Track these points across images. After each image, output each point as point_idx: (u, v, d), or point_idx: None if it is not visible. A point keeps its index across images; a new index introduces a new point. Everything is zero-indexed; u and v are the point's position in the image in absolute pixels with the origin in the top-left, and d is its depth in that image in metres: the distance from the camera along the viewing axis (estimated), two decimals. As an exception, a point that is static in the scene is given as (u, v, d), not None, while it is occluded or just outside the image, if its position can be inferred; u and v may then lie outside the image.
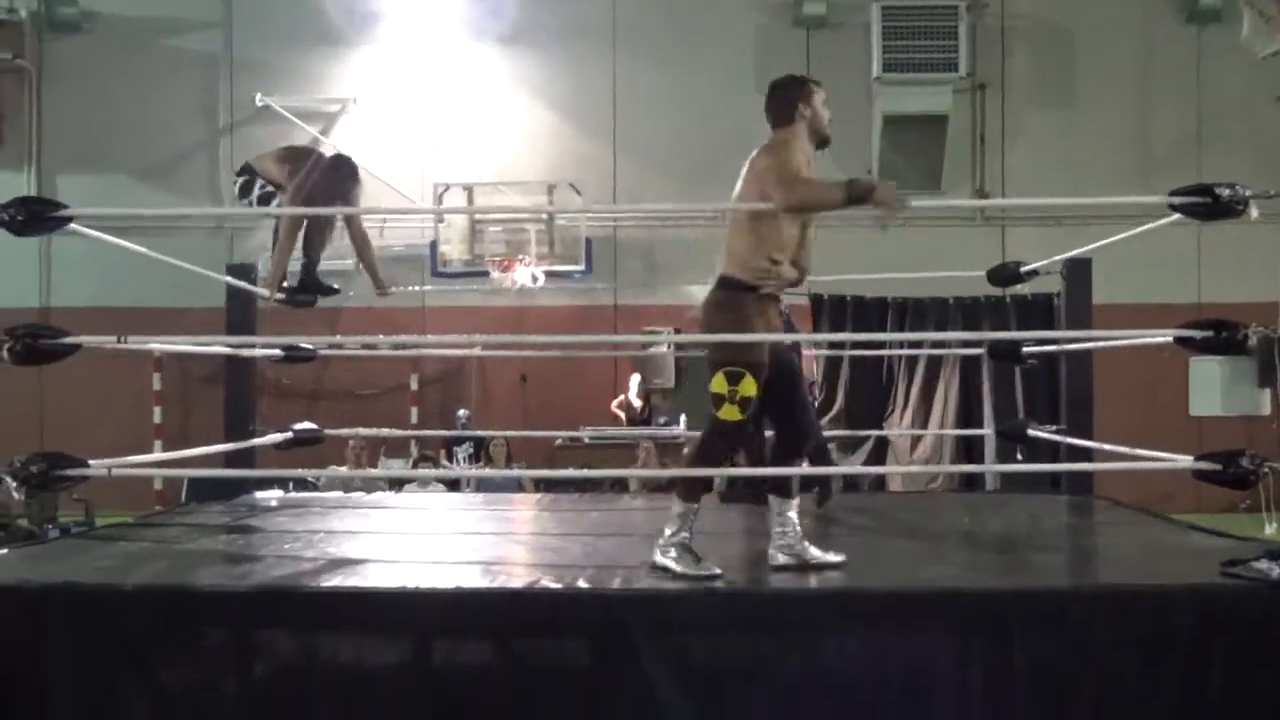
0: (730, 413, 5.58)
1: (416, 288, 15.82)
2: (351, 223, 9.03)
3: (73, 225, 6.15)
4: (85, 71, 17.42)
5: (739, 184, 6.02)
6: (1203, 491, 7.49)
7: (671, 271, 16.75)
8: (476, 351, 15.04)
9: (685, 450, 5.77)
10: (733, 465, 7.11)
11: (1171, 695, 4.85)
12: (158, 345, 10.37)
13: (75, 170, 17.20)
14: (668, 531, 5.58)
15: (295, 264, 9.05)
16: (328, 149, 9.34)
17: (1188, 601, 4.95)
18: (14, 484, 5.91)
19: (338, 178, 8.71)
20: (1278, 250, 16.30)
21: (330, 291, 9.15)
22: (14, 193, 6.54)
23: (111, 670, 4.88)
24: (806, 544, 5.73)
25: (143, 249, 7.36)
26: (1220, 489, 6.08)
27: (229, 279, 8.79)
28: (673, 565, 5.44)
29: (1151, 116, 17.39)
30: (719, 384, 5.57)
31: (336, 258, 13.93)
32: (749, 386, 5.56)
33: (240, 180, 8.91)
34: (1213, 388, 15.00)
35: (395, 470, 14.00)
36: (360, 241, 9.15)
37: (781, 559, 5.71)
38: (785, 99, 6.03)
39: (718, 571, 5.38)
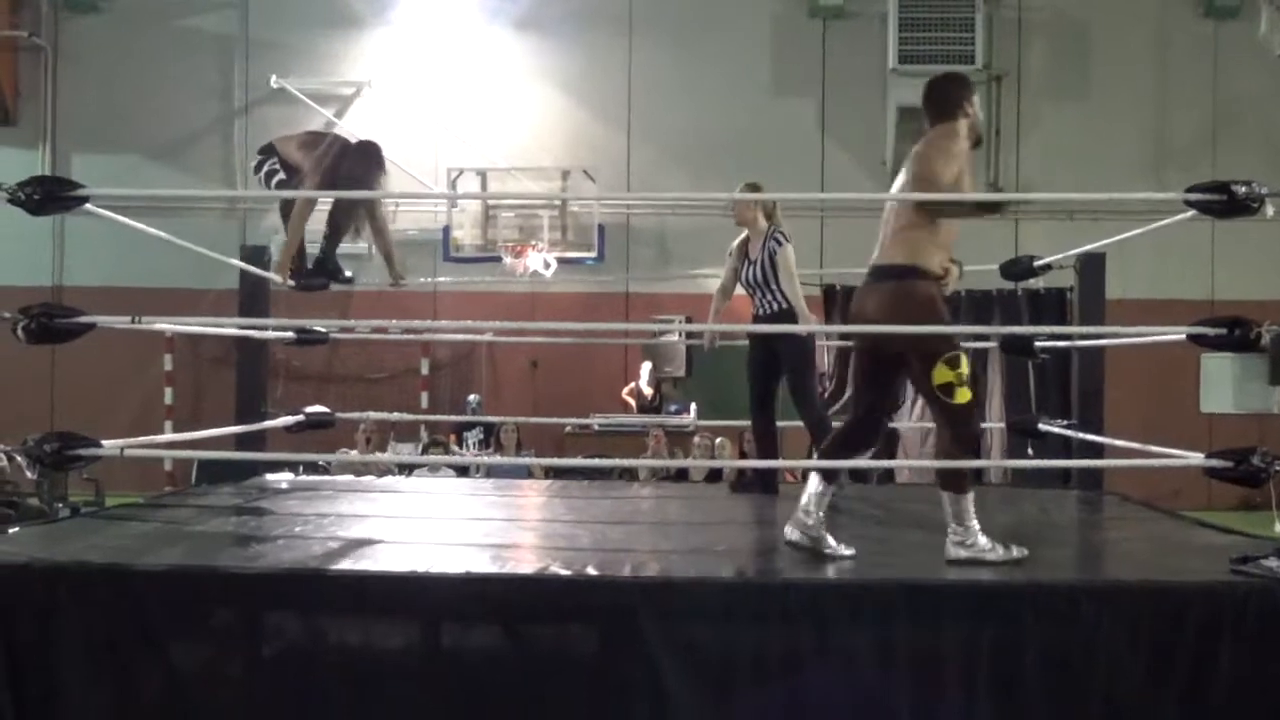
0: (964, 395, 5.58)
1: (428, 280, 15.84)
2: (373, 210, 9.01)
3: (87, 205, 6.15)
4: (101, 51, 17.45)
5: (903, 175, 5.94)
6: (1213, 488, 7.52)
7: (684, 259, 16.76)
8: (488, 337, 15.04)
9: (938, 447, 5.71)
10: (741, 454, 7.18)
11: (1181, 691, 4.84)
12: (170, 326, 10.37)
13: (90, 149, 17.23)
14: (961, 526, 5.60)
15: (312, 246, 9.03)
16: (349, 135, 9.28)
17: (1197, 598, 4.94)
18: (26, 463, 5.92)
19: (366, 164, 8.71)
20: (1292, 247, 16.31)
21: (345, 279, 9.12)
22: (29, 171, 6.54)
23: (122, 650, 4.89)
24: (826, 534, 5.73)
25: (156, 231, 7.37)
26: (1231, 486, 6.07)
27: (241, 264, 8.79)
28: (985, 555, 5.52)
29: (1167, 111, 17.36)
30: (944, 374, 5.53)
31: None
32: (965, 365, 5.59)
33: (258, 160, 8.90)
34: (1224, 384, 15.03)
35: (405, 455, 14.02)
36: (379, 229, 9.13)
37: (796, 536, 5.73)
38: (950, 95, 5.99)
39: (1022, 553, 5.54)
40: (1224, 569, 5.20)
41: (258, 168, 8.85)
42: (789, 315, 8.25)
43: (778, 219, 8.47)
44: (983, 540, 5.56)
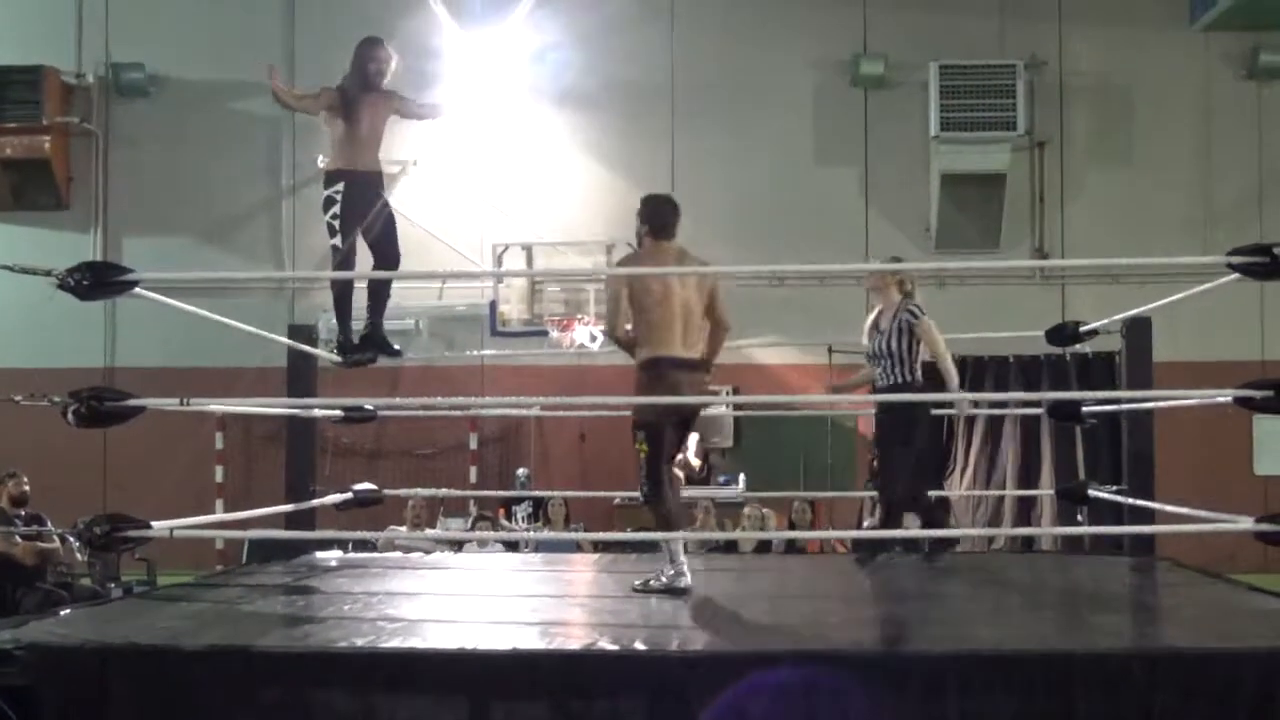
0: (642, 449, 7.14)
1: (476, 353, 15.92)
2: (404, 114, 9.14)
3: (136, 289, 6.23)
4: (151, 135, 17.67)
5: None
6: (1269, 551, 7.43)
7: (730, 331, 16.76)
8: (535, 411, 15.06)
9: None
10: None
11: (1236, 759, 4.79)
12: (219, 407, 10.46)
13: (140, 232, 17.42)
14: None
15: (357, 322, 8.99)
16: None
17: (1251, 664, 4.89)
18: (78, 544, 5.98)
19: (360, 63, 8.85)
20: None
21: (394, 352, 9.06)
22: (81, 254, 6.67)
23: (173, 731, 4.91)
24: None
25: (205, 312, 7.45)
26: (1288, 550, 6.02)
27: (288, 341, 8.86)
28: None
29: (1212, 173, 17.29)
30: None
31: (396, 317, 14.08)
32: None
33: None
34: (1278, 446, 14.87)
35: (454, 531, 14.03)
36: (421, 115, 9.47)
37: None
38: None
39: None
40: (1277, 634, 5.15)
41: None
42: (910, 389, 8.26)
43: (914, 294, 8.48)
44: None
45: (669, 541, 7.09)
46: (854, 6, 17.37)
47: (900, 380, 8.30)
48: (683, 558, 7.06)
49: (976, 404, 11.09)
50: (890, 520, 8.44)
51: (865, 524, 14.14)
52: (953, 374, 8.32)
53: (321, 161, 17.04)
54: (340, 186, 8.41)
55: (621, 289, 7.16)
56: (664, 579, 6.99)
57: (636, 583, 7.08)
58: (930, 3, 17.26)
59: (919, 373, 8.42)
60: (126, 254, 16.76)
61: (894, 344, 8.29)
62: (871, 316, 8.63)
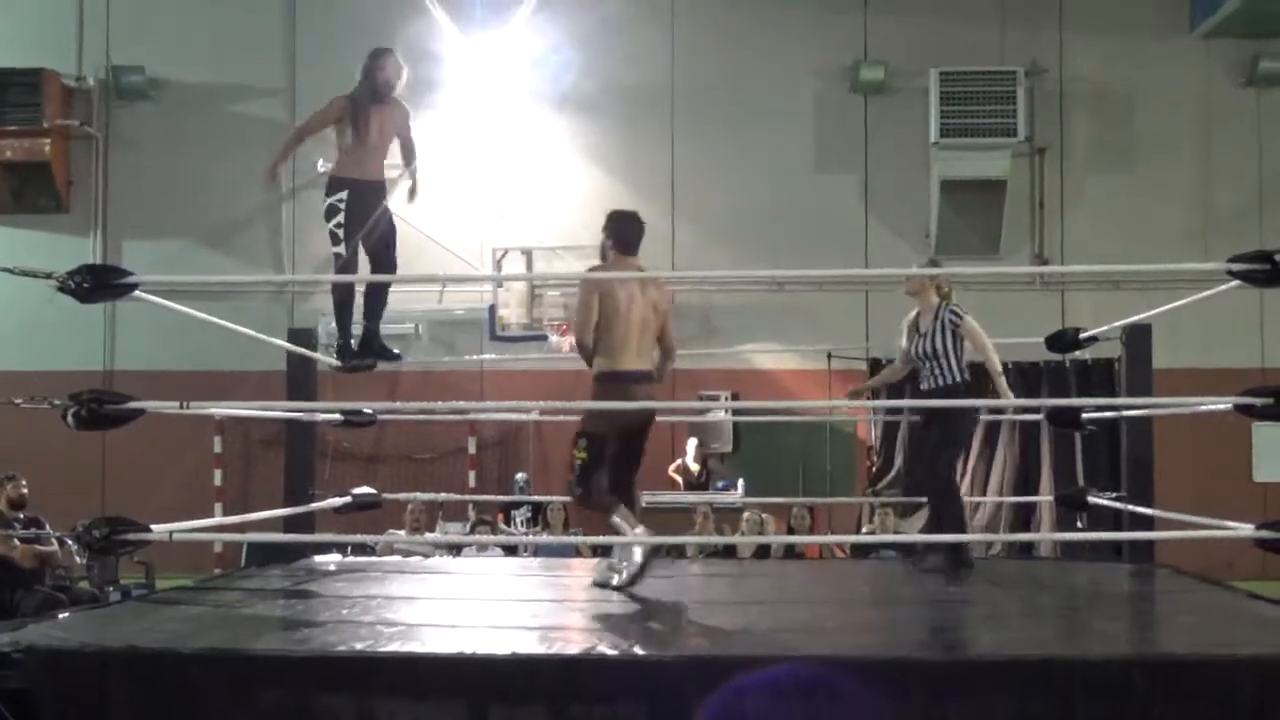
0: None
1: (475, 358, 15.92)
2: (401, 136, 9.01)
3: (136, 292, 6.23)
4: (151, 138, 17.69)
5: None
6: (1268, 559, 7.42)
7: (728, 336, 16.80)
8: (534, 416, 15.06)
9: None
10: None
11: (1235, 766, 4.79)
12: (219, 410, 10.45)
13: (140, 235, 17.43)
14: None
15: (356, 326, 8.99)
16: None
17: (1250, 671, 4.89)
18: (77, 547, 5.97)
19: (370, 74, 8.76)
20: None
21: (393, 356, 9.07)
22: (81, 257, 6.67)
23: (172, 734, 4.90)
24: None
25: (204, 315, 7.45)
26: (1288, 556, 6.03)
27: (288, 345, 8.85)
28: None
29: (1212, 181, 17.31)
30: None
31: (396, 321, 14.08)
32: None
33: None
34: (1277, 453, 14.87)
35: (452, 536, 14.01)
36: (408, 151, 9.16)
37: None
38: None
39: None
40: (1276, 642, 5.14)
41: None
42: (954, 390, 8.25)
43: (950, 295, 8.47)
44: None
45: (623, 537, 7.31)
46: (855, 13, 17.39)
47: (949, 381, 8.27)
48: (637, 554, 7.25)
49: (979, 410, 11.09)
50: (945, 524, 8.36)
51: (869, 528, 14.15)
52: (1000, 372, 8.32)
53: (322, 166, 17.09)
54: (344, 195, 8.42)
55: (594, 297, 7.29)
56: (613, 573, 7.24)
57: (595, 578, 7.32)
58: (931, 9, 17.28)
59: (966, 373, 8.39)
60: (126, 257, 16.77)
61: (937, 344, 8.27)
62: (909, 318, 8.60)
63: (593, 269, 7.71)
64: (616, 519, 7.27)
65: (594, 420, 7.39)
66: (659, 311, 7.51)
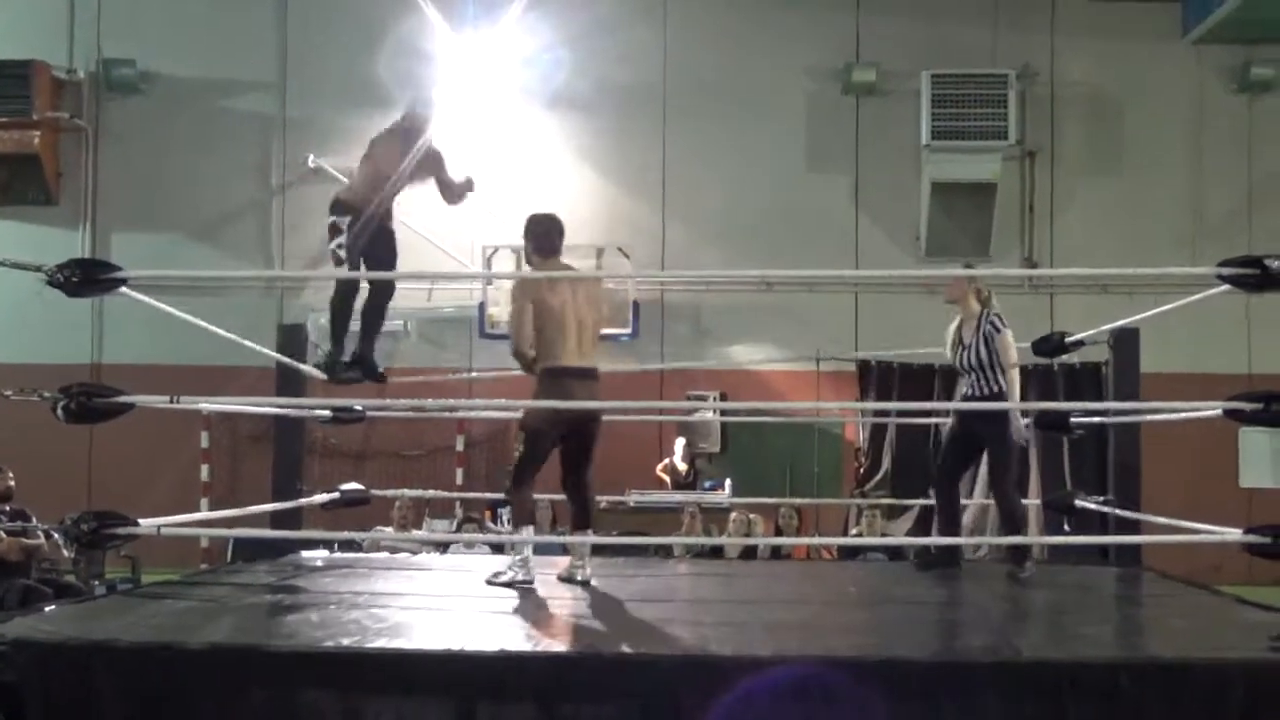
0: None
1: (464, 357, 15.90)
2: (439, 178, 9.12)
3: (124, 288, 6.22)
4: (141, 131, 17.66)
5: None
6: (1254, 564, 7.43)
7: (718, 336, 16.81)
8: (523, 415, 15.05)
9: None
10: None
11: (1221, 770, 4.79)
12: (208, 405, 10.42)
13: (129, 229, 17.39)
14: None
15: (351, 340, 8.92)
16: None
17: (1237, 675, 4.90)
18: (64, 541, 5.96)
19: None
20: (1330, 321, 16.22)
21: (379, 378, 9.04)
22: (69, 250, 6.66)
23: (157, 729, 4.89)
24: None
25: (192, 318, 7.44)
26: (1272, 561, 6.04)
27: (269, 352, 8.84)
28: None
29: (1202, 185, 17.35)
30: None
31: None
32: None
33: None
34: (1263, 459, 14.88)
35: (439, 533, 14.00)
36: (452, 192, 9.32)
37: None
38: None
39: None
40: (1263, 646, 5.15)
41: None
42: (1001, 398, 8.19)
43: (992, 302, 8.41)
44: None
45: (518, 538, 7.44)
46: (847, 14, 17.41)
47: (993, 390, 8.20)
48: (528, 552, 7.37)
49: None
50: (1014, 528, 8.33)
51: (856, 530, 14.17)
52: (1017, 390, 8.27)
53: (312, 162, 17.16)
54: (349, 220, 8.40)
55: (526, 306, 7.44)
56: (510, 572, 7.29)
57: (489, 576, 7.39)
58: (923, 12, 17.31)
59: (1004, 381, 8.33)
60: (115, 250, 16.74)
61: (981, 355, 8.21)
62: (953, 328, 8.51)
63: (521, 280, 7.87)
64: (522, 532, 7.37)
65: (532, 416, 7.57)
66: (595, 304, 7.66)
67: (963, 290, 8.42)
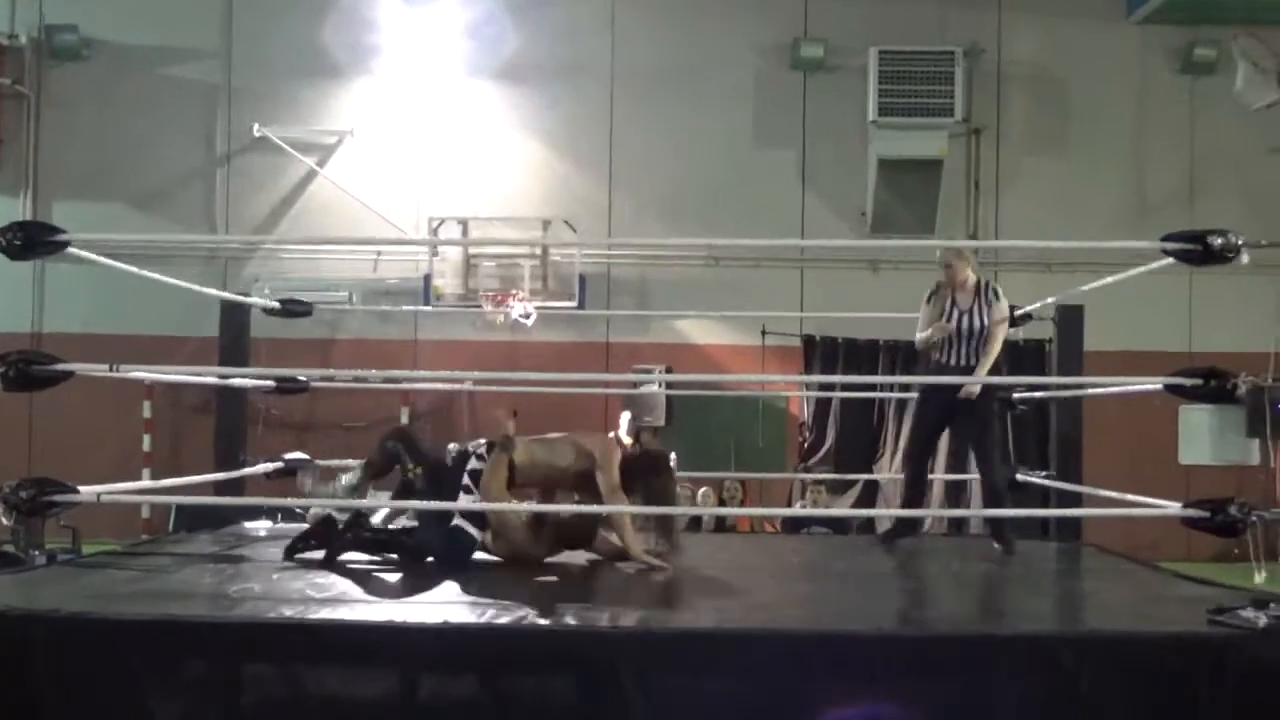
0: None
1: (409, 327, 15.82)
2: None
3: (69, 249, 6.16)
4: (84, 99, 17.45)
5: None
6: (1192, 540, 7.53)
7: (664, 309, 16.81)
8: (468, 386, 15.02)
9: None
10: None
11: (1158, 743, 4.84)
12: (149, 375, 10.34)
13: (72, 197, 17.19)
14: None
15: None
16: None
17: (1174, 648, 4.95)
18: (2, 509, 5.88)
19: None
20: (1269, 300, 16.39)
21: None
22: (10, 218, 6.55)
23: (97, 699, 4.86)
24: None
25: (137, 271, 7.38)
26: (1210, 537, 6.11)
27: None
28: None
29: (1146, 165, 17.48)
30: None
31: (329, 289, 13.98)
32: None
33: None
34: (1202, 436, 15.04)
35: (382, 502, 13.95)
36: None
37: None
38: None
39: None
40: (1201, 620, 5.20)
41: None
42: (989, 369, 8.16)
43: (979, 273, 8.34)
44: None
45: None
46: (796, -11, 17.42)
47: (975, 359, 8.15)
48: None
49: (908, 387, 11.10)
50: (997, 504, 8.27)
51: (801, 504, 14.23)
52: (988, 366, 8.19)
53: (258, 130, 17.02)
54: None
55: None
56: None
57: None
58: (871, -12, 17.33)
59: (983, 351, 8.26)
60: (57, 218, 16.39)
61: (983, 319, 8.12)
62: (933, 300, 8.35)
63: None
64: None
65: None
66: None
67: (965, 269, 8.28)
